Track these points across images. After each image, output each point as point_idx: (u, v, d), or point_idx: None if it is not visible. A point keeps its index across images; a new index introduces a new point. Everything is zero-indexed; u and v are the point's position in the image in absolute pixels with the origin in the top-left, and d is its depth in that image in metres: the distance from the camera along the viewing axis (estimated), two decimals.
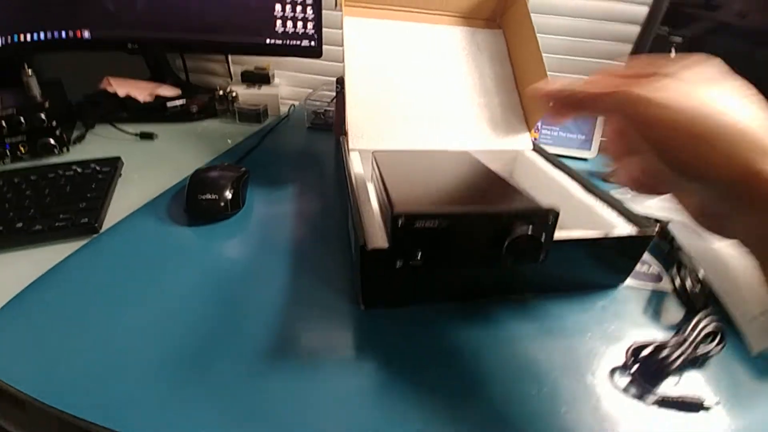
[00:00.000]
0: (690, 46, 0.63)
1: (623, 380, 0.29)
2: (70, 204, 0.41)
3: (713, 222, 0.21)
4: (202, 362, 0.28)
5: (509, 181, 0.31)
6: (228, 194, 0.43)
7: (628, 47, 0.62)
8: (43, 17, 0.61)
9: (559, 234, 0.23)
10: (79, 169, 0.46)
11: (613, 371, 0.30)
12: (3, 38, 0.58)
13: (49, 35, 0.61)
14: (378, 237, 0.30)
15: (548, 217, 0.25)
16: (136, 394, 0.26)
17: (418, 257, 0.26)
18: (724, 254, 0.38)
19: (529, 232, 0.24)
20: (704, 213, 0.21)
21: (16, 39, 0.59)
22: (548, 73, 0.47)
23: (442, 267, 0.27)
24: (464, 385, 0.28)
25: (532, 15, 0.51)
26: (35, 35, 0.61)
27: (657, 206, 0.43)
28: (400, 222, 0.25)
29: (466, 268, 0.27)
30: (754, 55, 0.63)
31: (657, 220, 0.41)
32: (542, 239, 0.24)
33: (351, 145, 0.46)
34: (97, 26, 0.63)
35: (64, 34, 0.62)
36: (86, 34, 0.63)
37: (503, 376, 0.29)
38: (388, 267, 0.27)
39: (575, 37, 0.71)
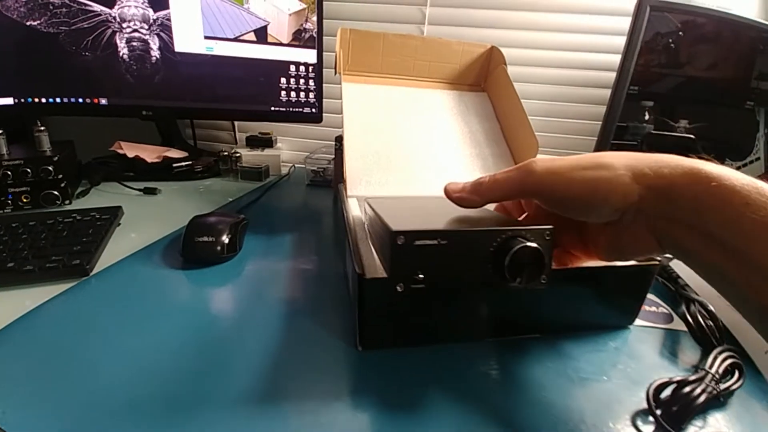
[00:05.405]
0: (662, 106, 0.69)
1: (647, 426, 0.26)
2: (65, 247, 0.40)
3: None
4: (184, 405, 0.26)
5: (502, 216, 0.31)
6: (225, 238, 0.43)
7: (602, 108, 0.68)
8: (62, 84, 0.65)
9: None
10: (78, 217, 0.46)
11: (635, 416, 0.27)
12: (15, 99, 0.61)
13: (65, 100, 0.65)
14: (376, 269, 0.30)
15: (545, 233, 0.25)
16: None
17: (419, 278, 0.25)
18: None
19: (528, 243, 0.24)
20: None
21: (29, 100, 0.63)
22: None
23: (445, 288, 0.26)
24: (474, 429, 0.25)
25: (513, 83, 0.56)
26: (50, 99, 0.65)
27: None
28: (399, 241, 0.24)
29: (469, 290, 0.26)
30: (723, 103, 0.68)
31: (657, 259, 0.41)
32: (542, 251, 0.24)
33: (349, 192, 0.47)
34: (115, 95, 0.68)
35: (81, 100, 0.66)
36: (103, 101, 0.68)
37: (518, 421, 0.26)
38: (387, 296, 0.26)
39: (554, 101, 0.79)
